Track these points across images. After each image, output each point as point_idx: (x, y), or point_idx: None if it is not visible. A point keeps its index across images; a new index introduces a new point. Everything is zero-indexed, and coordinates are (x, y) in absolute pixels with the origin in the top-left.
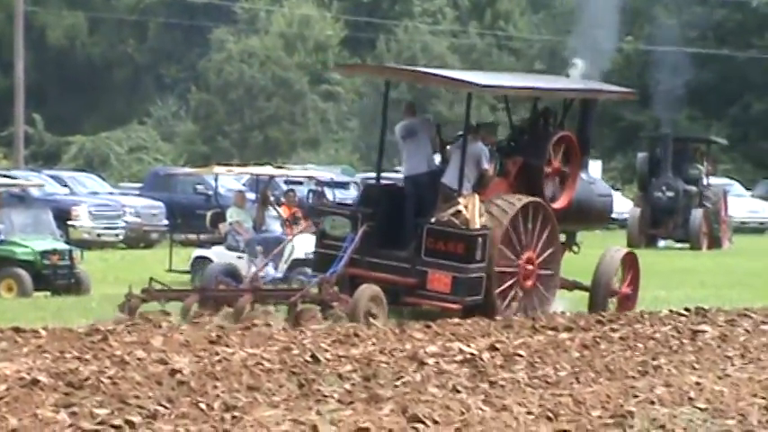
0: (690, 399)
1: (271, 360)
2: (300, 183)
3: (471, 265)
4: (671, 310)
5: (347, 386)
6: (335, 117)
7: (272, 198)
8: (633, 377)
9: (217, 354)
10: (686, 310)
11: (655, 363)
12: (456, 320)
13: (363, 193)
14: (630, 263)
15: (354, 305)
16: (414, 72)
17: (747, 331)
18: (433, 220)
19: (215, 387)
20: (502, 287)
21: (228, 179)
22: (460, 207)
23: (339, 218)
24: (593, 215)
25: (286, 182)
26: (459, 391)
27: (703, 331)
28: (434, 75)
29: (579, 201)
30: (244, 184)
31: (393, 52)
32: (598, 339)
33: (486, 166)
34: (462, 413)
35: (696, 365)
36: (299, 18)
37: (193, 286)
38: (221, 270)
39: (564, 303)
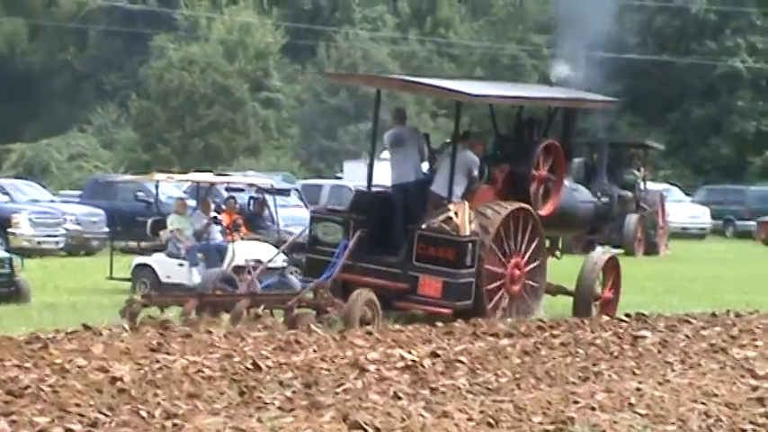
0: (630, 404)
1: (211, 367)
2: (241, 190)
3: (462, 271)
4: (611, 316)
5: (288, 393)
6: (276, 124)
7: (212, 205)
8: (574, 383)
9: (157, 361)
10: (627, 315)
11: (595, 368)
12: (397, 327)
13: (354, 199)
14: (612, 268)
15: (349, 310)
16: (404, 81)
17: (688, 337)
18: (423, 226)
19: (155, 395)
20: (490, 292)
21: (169, 186)
22: (451, 214)
23: (331, 224)
24: (576, 221)
25: (227, 189)
26: (400, 398)
27: (644, 337)
28: (425, 84)
29: (563, 207)
30: (184, 192)
31: (333, 59)
32: (539, 345)
33: (476, 174)
34: (403, 420)
35: (636, 371)
36: (240, 25)
37: (192, 291)
38: (218, 276)
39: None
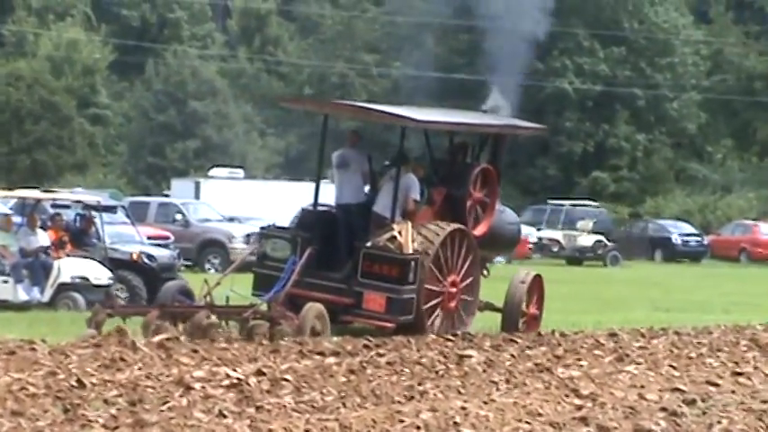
0: (455, 423)
1: (36, 385)
2: (68, 207)
3: (404, 287)
4: (437, 335)
5: (113, 411)
6: (103, 141)
7: (39, 221)
8: (399, 402)
9: None
10: (453, 334)
11: (421, 388)
12: (223, 345)
13: (300, 217)
14: (537, 286)
15: (301, 322)
16: (353, 107)
17: (513, 356)
18: (369, 244)
19: None
20: (429, 307)
21: None
22: (395, 233)
23: (280, 241)
24: (503, 241)
25: (53, 206)
26: (225, 416)
27: (469, 356)
28: (373, 110)
29: (491, 228)
30: (10, 208)
31: (162, 76)
32: (365, 364)
33: (415, 196)
34: None
35: (462, 390)
36: (67, 41)
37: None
38: (177, 289)
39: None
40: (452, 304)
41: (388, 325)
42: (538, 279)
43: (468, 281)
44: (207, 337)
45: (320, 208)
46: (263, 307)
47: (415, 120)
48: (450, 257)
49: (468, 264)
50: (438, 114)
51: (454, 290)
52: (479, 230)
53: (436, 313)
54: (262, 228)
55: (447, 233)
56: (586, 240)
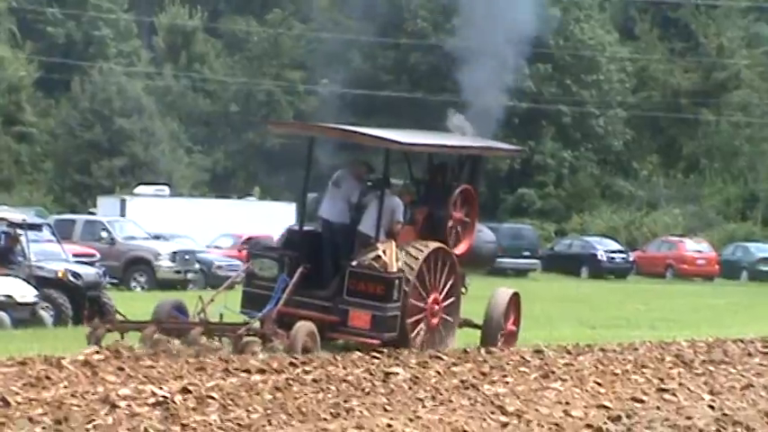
0: None
1: None
2: None
3: (389, 305)
4: (358, 350)
5: (38, 430)
6: (29, 159)
7: None
8: (325, 419)
9: None
10: (379, 351)
11: (347, 405)
12: (149, 363)
13: (287, 237)
14: (514, 303)
15: (293, 340)
16: (339, 130)
17: (439, 373)
18: (354, 263)
19: None
20: (412, 324)
21: None
22: (380, 252)
23: (267, 260)
24: (480, 259)
25: None
26: None
27: (395, 373)
28: (358, 133)
29: (470, 247)
30: None
31: (88, 93)
32: (291, 381)
33: (399, 218)
34: None
35: (388, 407)
36: None
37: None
38: (172, 305)
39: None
40: (434, 321)
41: (374, 342)
42: (515, 297)
43: (449, 299)
44: (201, 354)
45: (306, 228)
46: (257, 324)
47: (399, 143)
48: (433, 276)
49: (449, 282)
50: (420, 137)
51: (436, 307)
52: (460, 249)
53: (419, 328)
54: (250, 247)
55: (429, 252)
56: None
